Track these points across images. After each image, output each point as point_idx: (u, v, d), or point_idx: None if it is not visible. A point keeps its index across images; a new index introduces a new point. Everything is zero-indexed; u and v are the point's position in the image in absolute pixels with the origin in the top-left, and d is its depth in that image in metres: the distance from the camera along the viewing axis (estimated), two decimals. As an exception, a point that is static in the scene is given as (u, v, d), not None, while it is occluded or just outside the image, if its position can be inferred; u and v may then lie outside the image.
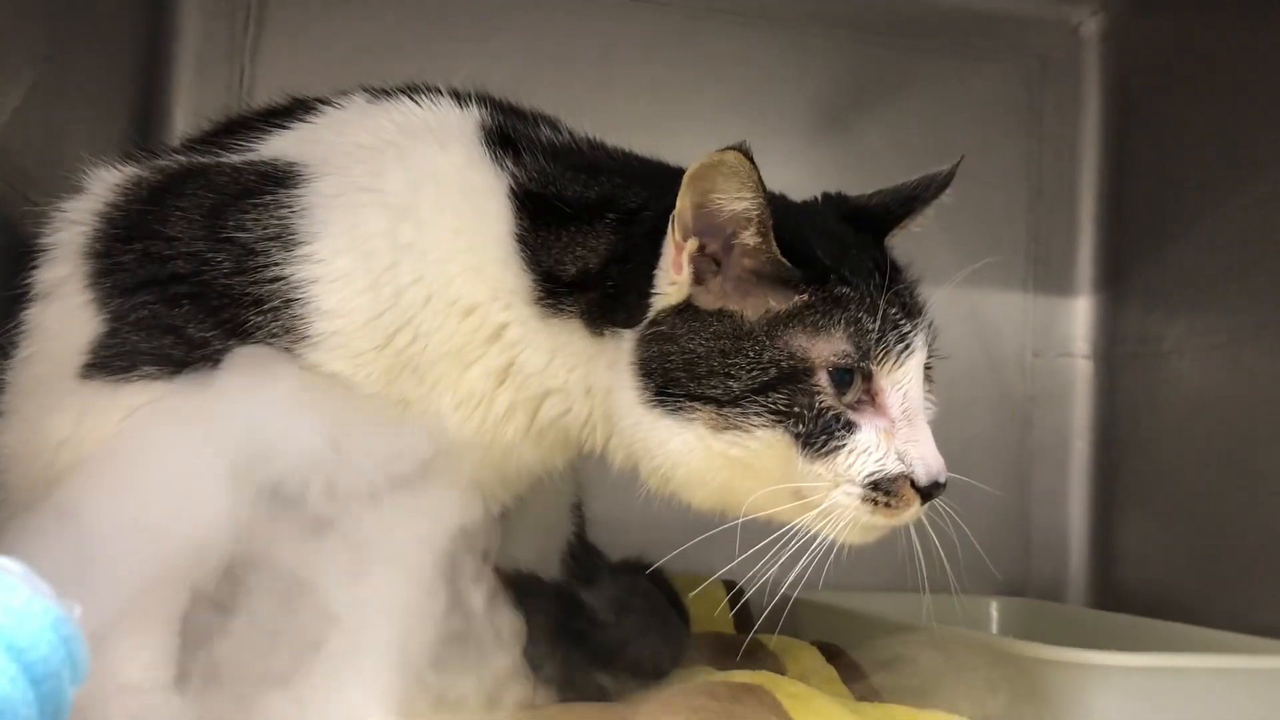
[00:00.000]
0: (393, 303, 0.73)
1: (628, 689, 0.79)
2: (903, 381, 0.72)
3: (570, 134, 0.81)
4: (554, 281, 0.74)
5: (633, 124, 0.85)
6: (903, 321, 0.73)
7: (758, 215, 0.70)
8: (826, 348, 0.70)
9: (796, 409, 0.70)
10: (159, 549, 0.66)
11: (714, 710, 0.73)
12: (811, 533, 0.71)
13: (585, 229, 0.75)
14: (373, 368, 0.73)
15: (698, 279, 0.73)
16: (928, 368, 0.75)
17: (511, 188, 0.76)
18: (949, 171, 0.83)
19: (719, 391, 0.70)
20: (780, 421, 0.70)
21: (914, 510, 0.72)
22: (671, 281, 0.73)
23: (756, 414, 0.70)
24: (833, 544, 0.71)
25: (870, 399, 0.72)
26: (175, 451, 0.69)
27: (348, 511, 0.70)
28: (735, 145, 0.68)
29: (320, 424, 0.69)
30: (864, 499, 0.70)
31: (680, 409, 0.71)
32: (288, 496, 0.68)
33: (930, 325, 0.75)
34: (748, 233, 0.71)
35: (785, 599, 0.76)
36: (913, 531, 0.76)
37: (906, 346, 0.72)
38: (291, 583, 0.72)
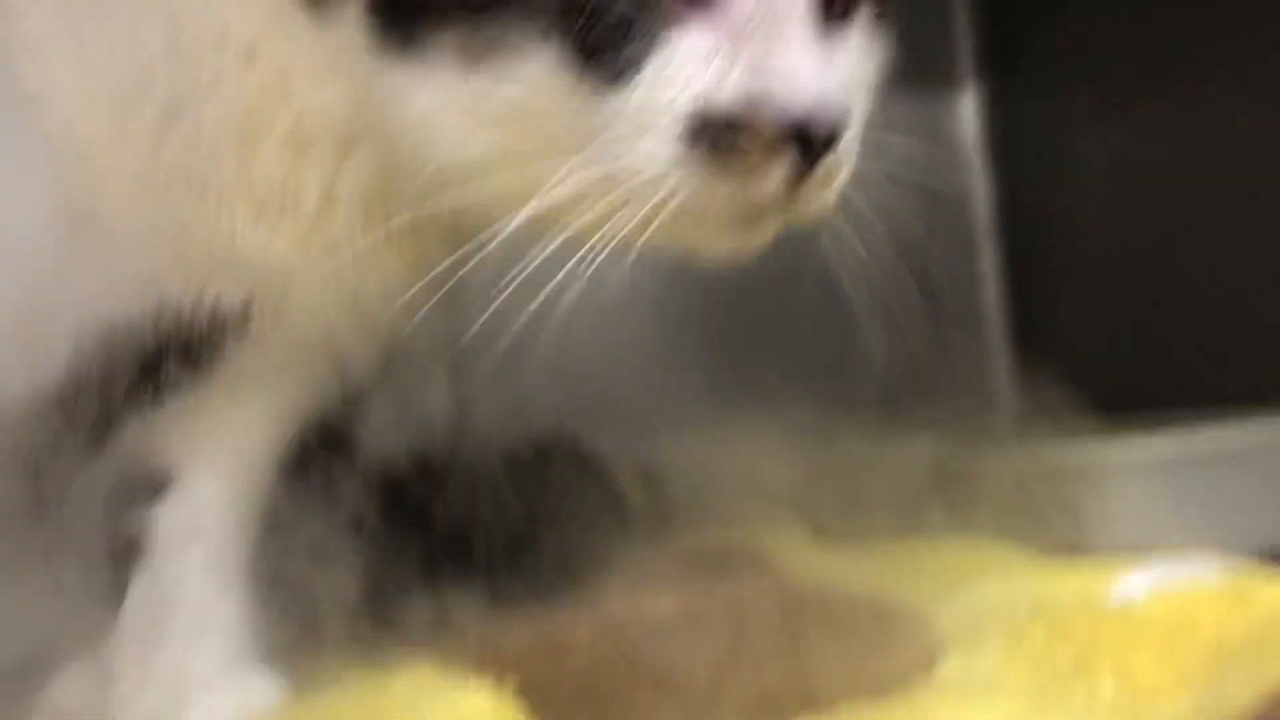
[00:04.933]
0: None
1: (579, 585, 0.59)
2: None
3: None
4: None
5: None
6: None
7: None
8: None
9: (573, 6, 0.43)
10: None
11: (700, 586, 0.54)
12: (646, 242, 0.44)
13: None
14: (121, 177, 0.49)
15: None
16: None
17: None
18: None
19: None
20: (551, 31, 0.43)
21: (781, 173, 0.43)
22: None
23: (519, 24, 0.43)
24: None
25: None
26: None
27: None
28: None
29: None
30: (687, 155, 0.43)
31: (415, 36, 0.45)
32: None
33: None
34: None
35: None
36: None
37: None
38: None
